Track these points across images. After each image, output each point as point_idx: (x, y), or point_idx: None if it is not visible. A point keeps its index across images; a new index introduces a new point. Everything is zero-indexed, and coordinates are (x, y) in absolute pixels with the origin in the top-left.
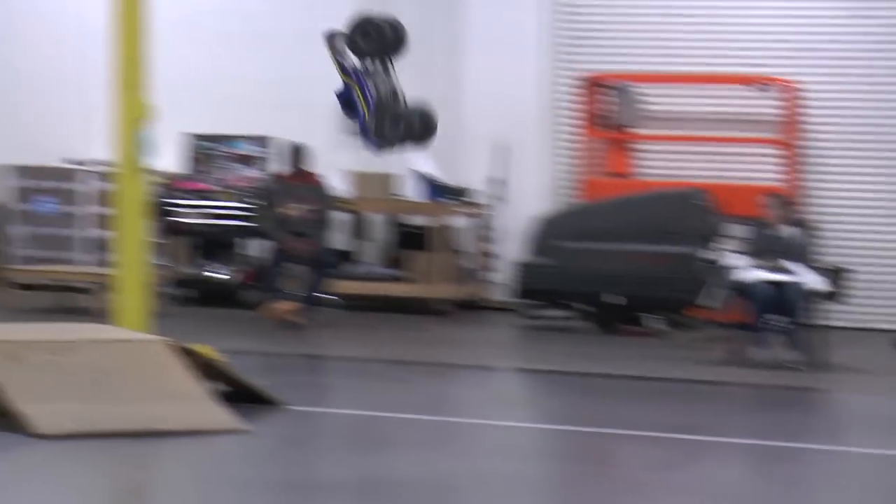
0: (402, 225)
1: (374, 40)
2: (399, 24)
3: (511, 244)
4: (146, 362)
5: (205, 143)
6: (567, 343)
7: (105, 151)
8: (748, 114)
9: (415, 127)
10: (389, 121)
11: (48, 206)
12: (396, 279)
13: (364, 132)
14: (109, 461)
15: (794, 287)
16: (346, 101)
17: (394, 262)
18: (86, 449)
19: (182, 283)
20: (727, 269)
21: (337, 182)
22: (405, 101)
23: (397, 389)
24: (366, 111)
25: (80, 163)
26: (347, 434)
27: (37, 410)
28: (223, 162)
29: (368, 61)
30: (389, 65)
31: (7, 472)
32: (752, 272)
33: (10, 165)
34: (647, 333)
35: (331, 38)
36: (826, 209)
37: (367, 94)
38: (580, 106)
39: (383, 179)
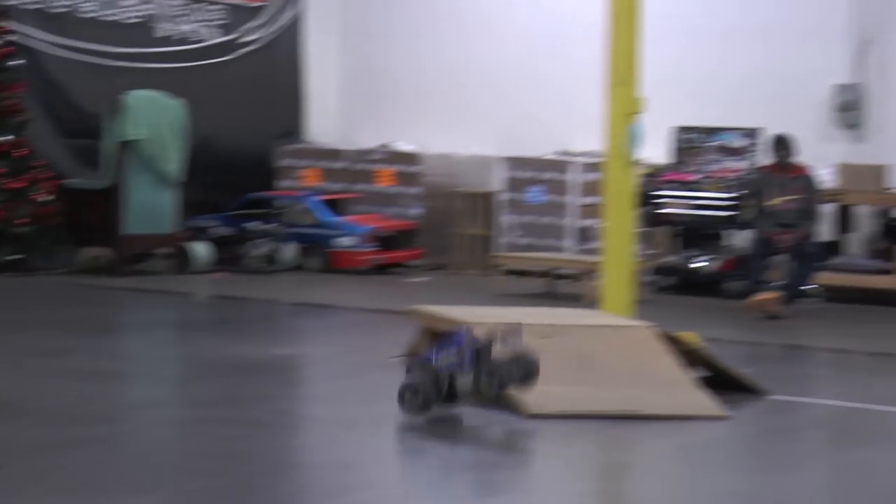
0: (890, 217)
1: (518, 376)
2: (533, 363)
3: None
4: (632, 347)
5: (691, 135)
6: None
7: (594, 143)
8: None
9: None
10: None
11: (537, 195)
12: (883, 271)
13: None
14: (595, 441)
15: None
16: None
17: (880, 254)
18: (572, 429)
19: (662, 271)
20: None
21: (823, 173)
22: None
23: (881, 382)
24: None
25: (570, 154)
26: (830, 425)
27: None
28: (709, 153)
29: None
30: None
31: (504, 449)
32: None
33: (503, 157)
34: None
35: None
36: None
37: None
38: None
39: (875, 171)
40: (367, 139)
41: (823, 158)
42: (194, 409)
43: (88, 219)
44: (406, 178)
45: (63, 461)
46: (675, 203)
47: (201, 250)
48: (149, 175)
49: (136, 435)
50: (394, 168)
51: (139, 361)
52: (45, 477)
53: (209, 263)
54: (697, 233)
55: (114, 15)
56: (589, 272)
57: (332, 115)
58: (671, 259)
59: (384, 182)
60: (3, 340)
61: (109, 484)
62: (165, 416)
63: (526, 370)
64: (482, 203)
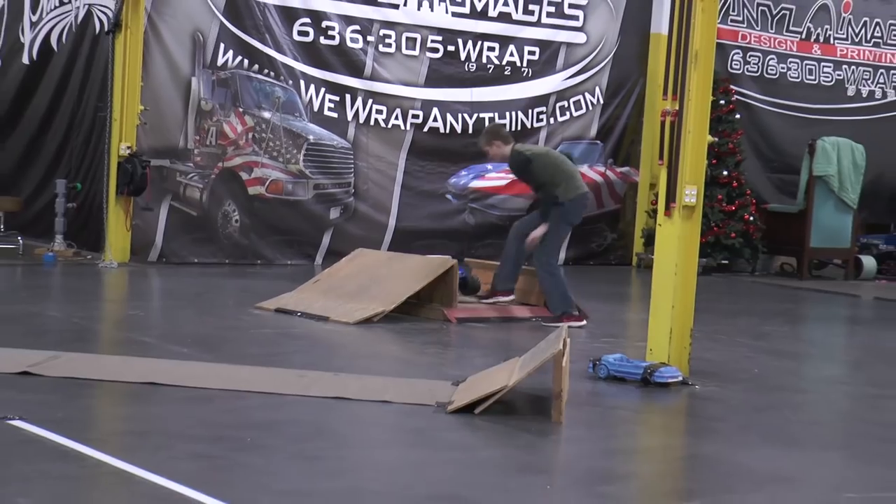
0: None
1: None
2: None
3: None
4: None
5: None
6: None
7: None
8: None
9: None
10: None
11: None
12: None
13: None
14: None
15: None
16: None
17: None
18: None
19: None
20: None
21: None
22: None
23: None
24: None
25: None
26: None
27: None
28: None
29: None
30: None
31: None
32: None
33: None
34: None
35: None
36: None
37: None
38: None
39: None
40: None
41: None
42: (870, 388)
43: (782, 235)
44: None
45: (764, 418)
46: None
47: (869, 262)
48: (832, 202)
49: (821, 404)
50: None
51: (821, 346)
52: (751, 428)
53: (874, 273)
54: None
55: (814, 79)
56: None
57: None
58: None
59: None
60: (726, 323)
61: (801, 438)
62: (846, 391)
63: None
64: None
